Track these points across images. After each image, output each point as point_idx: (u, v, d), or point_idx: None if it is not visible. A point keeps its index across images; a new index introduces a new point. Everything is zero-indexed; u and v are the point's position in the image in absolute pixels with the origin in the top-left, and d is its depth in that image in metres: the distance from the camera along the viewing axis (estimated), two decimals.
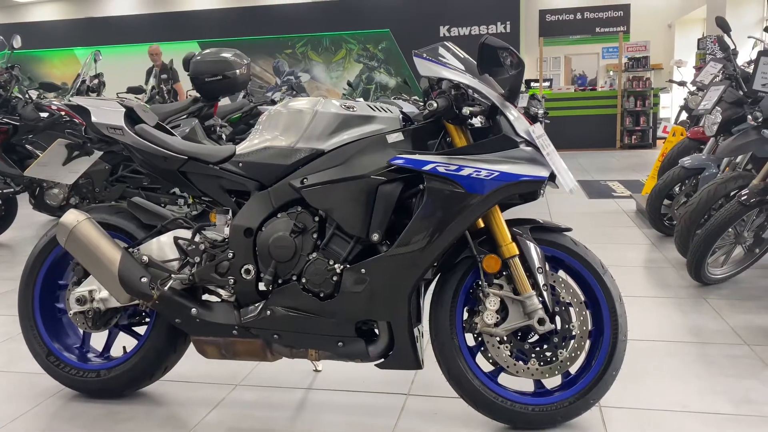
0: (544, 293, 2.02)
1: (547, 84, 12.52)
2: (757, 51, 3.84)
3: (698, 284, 3.53)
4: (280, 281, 2.10)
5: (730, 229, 3.40)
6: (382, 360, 2.09)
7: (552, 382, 2.13)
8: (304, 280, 2.05)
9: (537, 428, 2.05)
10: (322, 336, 2.08)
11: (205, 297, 2.27)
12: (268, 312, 2.08)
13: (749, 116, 4.05)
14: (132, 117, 2.32)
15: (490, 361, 2.12)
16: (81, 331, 2.48)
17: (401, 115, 2.13)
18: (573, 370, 2.10)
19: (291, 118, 2.15)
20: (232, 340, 2.17)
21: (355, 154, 2.05)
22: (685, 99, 7.99)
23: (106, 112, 2.27)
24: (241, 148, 2.22)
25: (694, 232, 3.78)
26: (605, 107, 12.04)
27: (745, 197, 3.22)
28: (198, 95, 5.20)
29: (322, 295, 2.05)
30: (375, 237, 2.01)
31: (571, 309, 2.07)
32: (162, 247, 2.25)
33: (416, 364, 2.07)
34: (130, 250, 2.25)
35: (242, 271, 2.12)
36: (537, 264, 2.03)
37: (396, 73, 12.76)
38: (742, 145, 3.56)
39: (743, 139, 3.57)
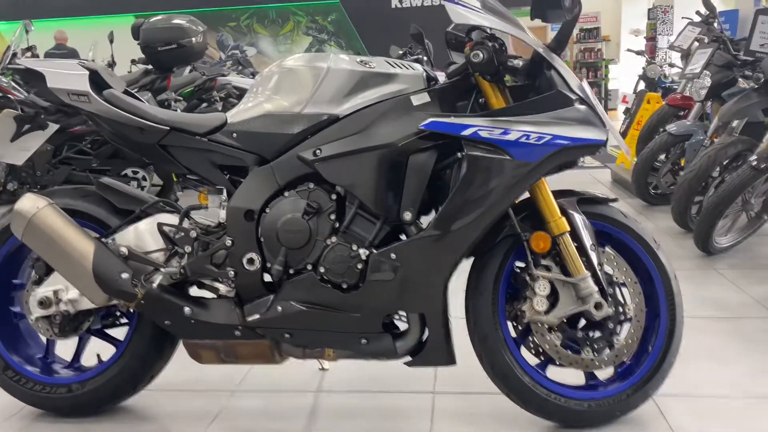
0: (599, 274, 1.77)
1: None
2: (755, 10, 3.70)
3: (702, 254, 3.38)
4: (291, 271, 1.78)
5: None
6: (411, 357, 1.81)
7: (604, 373, 1.89)
8: (322, 270, 1.74)
9: (593, 426, 1.81)
10: (343, 333, 1.78)
11: (193, 292, 1.93)
12: (279, 308, 1.77)
13: (740, 79, 3.93)
14: (96, 82, 1.93)
15: (532, 352, 1.87)
16: (44, 339, 2.09)
17: (425, 73, 1.83)
18: (627, 358, 1.87)
19: (296, 78, 1.82)
20: (234, 342, 1.84)
21: (376, 120, 1.74)
22: (643, 68, 7.93)
23: (66, 76, 1.87)
24: (234, 115, 1.88)
25: (693, 199, 3.64)
26: None
27: (756, 162, 3.07)
28: (149, 66, 4.73)
29: (345, 286, 1.74)
30: (407, 216, 1.71)
31: (625, 289, 1.84)
32: (143, 235, 1.88)
33: (450, 359, 1.80)
34: (104, 240, 1.88)
35: (244, 261, 1.79)
36: (590, 241, 1.78)
37: (347, 47, 12.32)
38: (744, 108, 3.42)
39: (745, 102, 3.43)
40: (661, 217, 4.21)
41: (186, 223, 1.87)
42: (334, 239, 1.74)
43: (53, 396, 1.96)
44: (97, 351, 2.05)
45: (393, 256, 1.71)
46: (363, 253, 1.72)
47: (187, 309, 1.81)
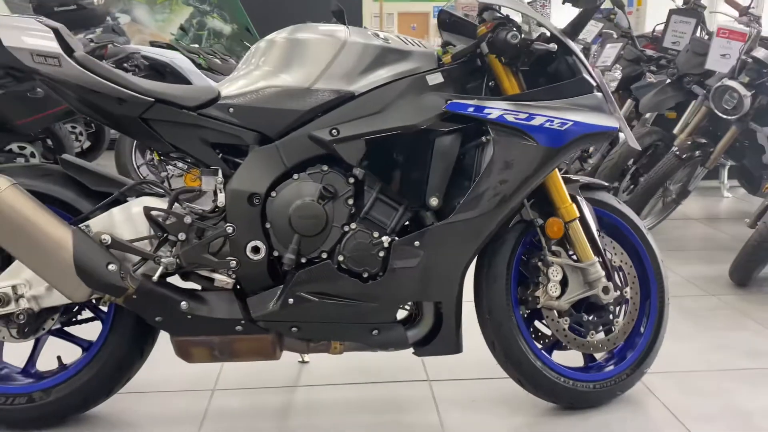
0: (606, 259, 1.82)
1: None
2: (668, 9, 3.98)
3: None
4: (303, 260, 1.65)
5: None
6: (418, 346, 1.76)
7: (599, 354, 1.95)
8: (341, 258, 1.63)
9: (596, 406, 1.87)
10: (355, 324, 1.69)
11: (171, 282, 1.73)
12: (291, 300, 1.64)
13: (648, 73, 4.22)
14: (61, 42, 1.66)
15: (532, 337, 1.89)
16: None
17: (436, 52, 1.77)
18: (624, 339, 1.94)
19: (305, 49, 1.68)
20: (233, 338, 1.68)
21: (395, 99, 1.65)
22: None
23: (29, 35, 1.59)
24: (228, 88, 1.70)
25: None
26: None
27: (679, 151, 3.32)
28: None
29: (365, 275, 1.65)
30: (434, 202, 1.65)
31: (622, 273, 1.90)
32: (126, 221, 1.66)
33: (458, 347, 1.77)
34: (80, 227, 1.63)
35: (248, 249, 1.64)
36: (595, 226, 1.82)
37: (231, 20, 11.77)
38: (661, 101, 3.67)
39: (661, 96, 3.68)
40: None
41: (177, 208, 1.68)
42: (353, 226, 1.64)
43: (10, 408, 1.69)
44: (49, 352, 1.79)
45: (417, 243, 1.64)
46: (385, 240, 1.63)
47: (184, 303, 1.63)
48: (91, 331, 1.77)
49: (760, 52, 3.06)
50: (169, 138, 1.68)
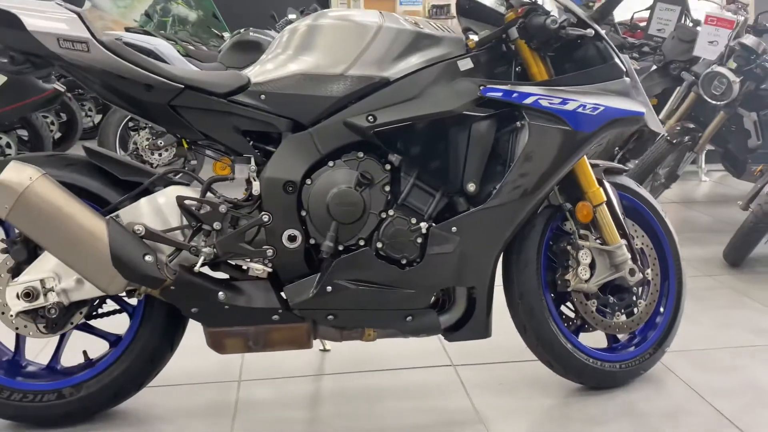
0: (632, 241, 1.86)
1: None
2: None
3: None
4: (340, 248, 1.64)
5: None
6: (449, 332, 1.77)
7: (622, 335, 1.99)
8: (379, 245, 1.63)
9: (621, 385, 1.91)
10: (390, 311, 1.70)
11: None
12: (329, 288, 1.63)
13: (632, 60, 4.30)
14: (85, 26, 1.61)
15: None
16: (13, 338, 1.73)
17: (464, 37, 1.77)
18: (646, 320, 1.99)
19: (338, 35, 1.67)
20: (269, 327, 1.67)
21: (429, 85, 1.65)
22: None
23: (53, 19, 1.54)
24: (258, 75, 1.68)
25: None
26: None
27: (669, 137, 3.39)
28: None
29: (404, 261, 1.65)
30: (471, 187, 1.66)
31: (644, 255, 1.95)
32: (154, 212, 1.62)
33: (487, 332, 1.79)
34: (112, 217, 1.59)
35: (284, 237, 1.62)
36: (620, 209, 1.86)
37: (197, 6, 11.52)
38: (650, 86, 3.74)
39: (648, 82, 3.75)
40: None
41: (210, 197, 1.65)
42: (391, 212, 1.63)
43: (39, 404, 1.64)
44: (84, 348, 1.75)
45: (454, 229, 1.65)
46: (423, 226, 1.63)
47: (221, 294, 1.60)
48: (112, 324, 1.73)
49: (748, 39, 3.15)
50: (199, 126, 1.65)
